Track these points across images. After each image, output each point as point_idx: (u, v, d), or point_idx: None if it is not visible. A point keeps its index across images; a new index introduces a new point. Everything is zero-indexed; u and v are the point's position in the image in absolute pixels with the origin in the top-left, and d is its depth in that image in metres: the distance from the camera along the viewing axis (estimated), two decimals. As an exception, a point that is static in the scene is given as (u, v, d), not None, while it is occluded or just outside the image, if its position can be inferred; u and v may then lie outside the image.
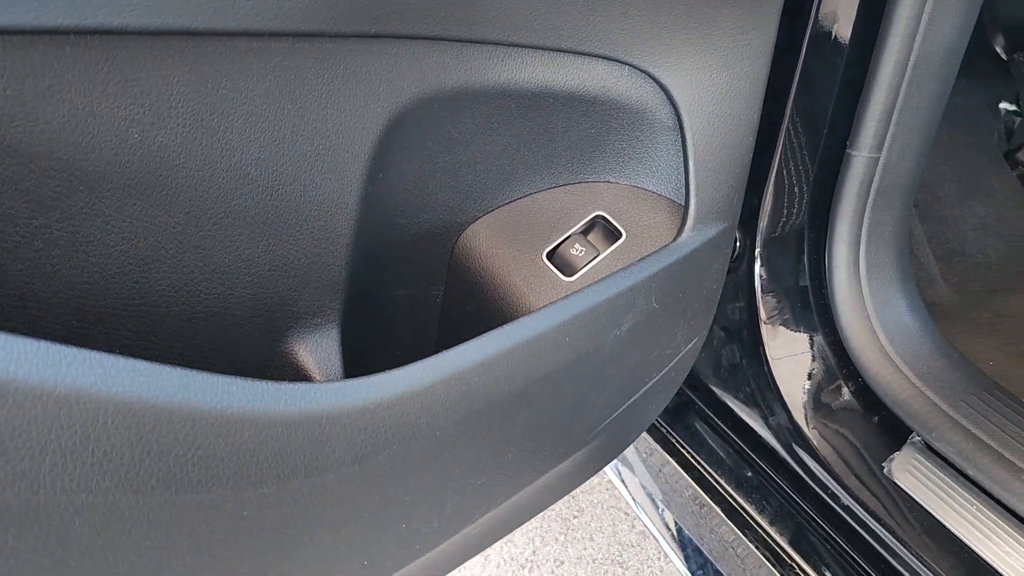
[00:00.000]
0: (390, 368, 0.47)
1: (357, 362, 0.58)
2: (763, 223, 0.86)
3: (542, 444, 0.67)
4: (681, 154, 0.57)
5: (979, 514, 0.76)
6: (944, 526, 0.76)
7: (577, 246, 0.60)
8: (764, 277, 0.88)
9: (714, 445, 0.98)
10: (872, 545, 0.84)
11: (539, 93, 0.54)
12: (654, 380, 0.70)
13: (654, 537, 1.04)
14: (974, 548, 0.74)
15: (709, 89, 0.56)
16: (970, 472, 0.78)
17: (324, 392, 0.43)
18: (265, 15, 0.42)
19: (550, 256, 0.60)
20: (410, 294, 0.62)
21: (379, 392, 0.45)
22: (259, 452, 0.40)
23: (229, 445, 0.39)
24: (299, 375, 0.54)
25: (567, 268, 0.60)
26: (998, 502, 0.76)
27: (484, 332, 0.52)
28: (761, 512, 0.93)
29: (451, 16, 0.47)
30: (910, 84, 0.78)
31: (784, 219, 0.86)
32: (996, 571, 0.73)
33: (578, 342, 0.55)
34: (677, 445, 1.01)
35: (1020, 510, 0.74)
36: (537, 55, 0.51)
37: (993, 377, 0.95)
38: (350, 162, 0.49)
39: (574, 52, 0.53)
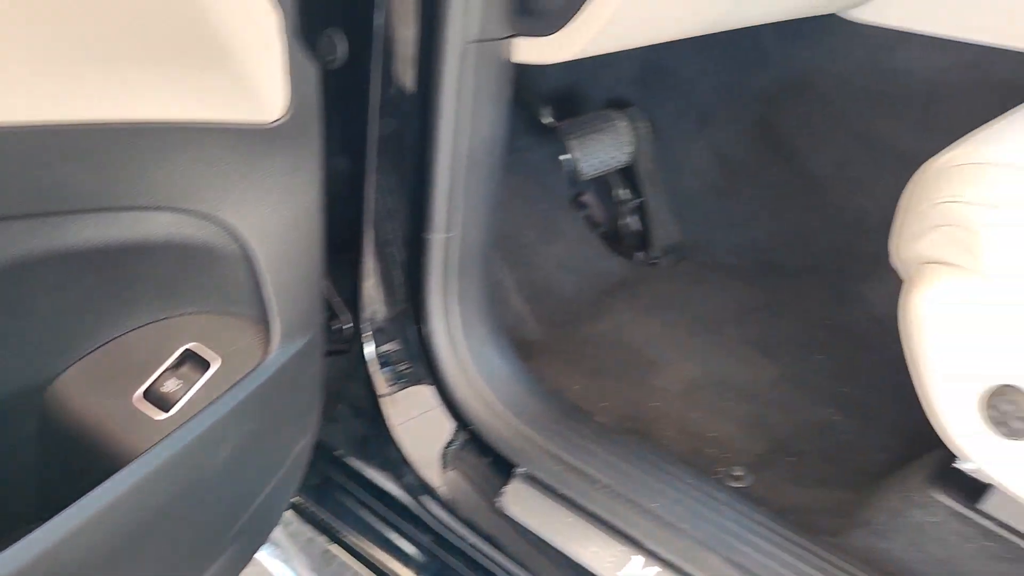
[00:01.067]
0: None
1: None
2: (368, 309, 0.95)
3: (175, 571, 0.68)
4: (257, 281, 0.63)
5: (574, 527, 0.91)
6: (550, 545, 0.90)
7: (170, 381, 0.62)
8: (376, 355, 0.97)
9: (359, 515, 1.05)
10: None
11: (104, 248, 0.56)
12: (272, 484, 0.74)
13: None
14: (574, 558, 0.89)
15: (271, 222, 0.62)
16: (563, 491, 0.93)
17: None
18: None
19: (146, 395, 0.62)
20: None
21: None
22: None
23: None
24: None
25: (164, 404, 0.62)
26: (586, 512, 0.92)
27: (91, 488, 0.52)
28: (408, 566, 1.02)
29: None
30: (467, 172, 0.91)
31: (386, 302, 0.95)
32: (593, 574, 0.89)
33: (181, 477, 0.57)
34: (325, 522, 1.06)
35: (601, 515, 0.90)
36: (94, 216, 0.53)
37: (578, 401, 1.14)
38: None
39: (134, 208, 0.55)
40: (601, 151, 1.39)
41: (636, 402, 1.16)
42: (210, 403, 0.60)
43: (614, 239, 1.55)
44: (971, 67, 1.25)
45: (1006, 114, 0.96)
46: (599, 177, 1.47)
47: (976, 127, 1.02)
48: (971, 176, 0.78)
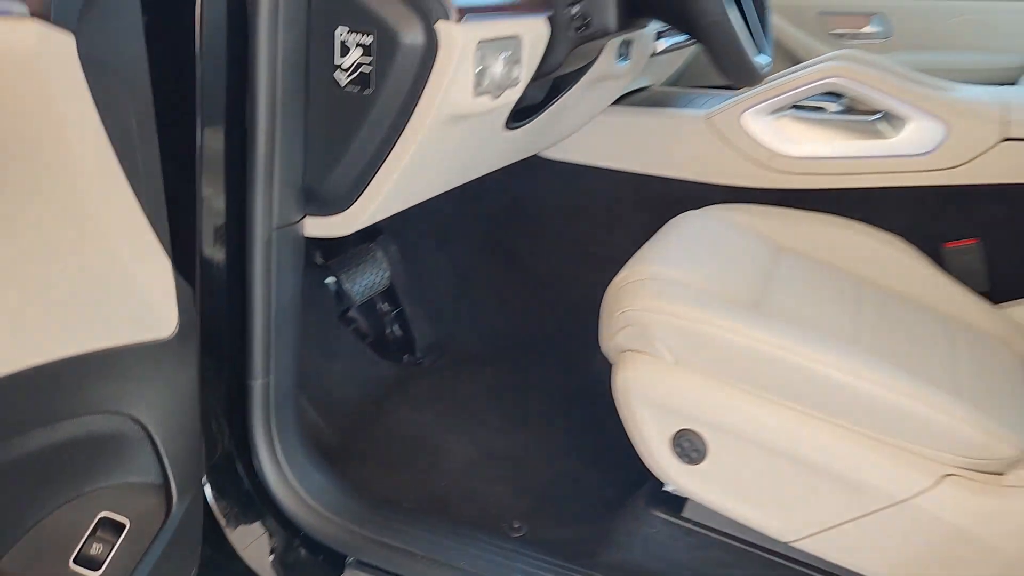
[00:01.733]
0: None
1: None
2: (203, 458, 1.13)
3: None
4: (156, 454, 0.80)
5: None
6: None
7: (95, 546, 0.77)
8: (213, 493, 1.13)
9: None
10: None
11: (39, 452, 0.72)
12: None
13: None
14: None
15: (167, 408, 0.80)
16: (390, 569, 1.16)
17: None
18: None
19: (76, 561, 0.76)
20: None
21: None
22: None
23: None
24: None
25: (94, 564, 0.76)
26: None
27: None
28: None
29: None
30: (277, 327, 1.13)
31: (218, 449, 1.13)
32: None
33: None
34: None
35: None
36: (40, 430, 0.69)
37: (382, 490, 1.37)
38: None
39: (70, 417, 0.72)
40: (366, 278, 1.65)
41: (429, 484, 1.42)
42: (143, 557, 0.76)
43: (382, 346, 1.81)
44: (633, 188, 1.70)
45: (657, 234, 1.37)
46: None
47: (643, 230, 1.43)
48: (637, 290, 1.15)
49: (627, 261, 1.29)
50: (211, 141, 0.99)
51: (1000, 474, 0.99)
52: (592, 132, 1.70)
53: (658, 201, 1.67)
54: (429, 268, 1.87)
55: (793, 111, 1.63)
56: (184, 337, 0.80)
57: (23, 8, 0.56)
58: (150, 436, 0.79)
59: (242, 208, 1.03)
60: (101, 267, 0.68)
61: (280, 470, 1.17)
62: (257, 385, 1.13)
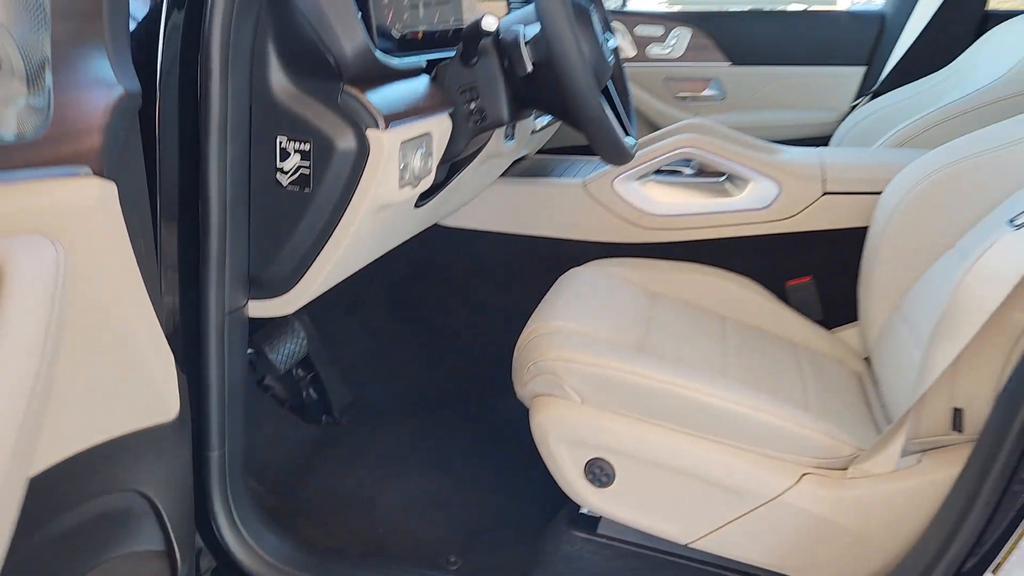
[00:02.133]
0: None
1: None
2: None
3: None
4: (161, 525, 0.92)
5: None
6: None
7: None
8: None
9: None
10: None
11: (61, 534, 0.83)
12: None
13: None
14: None
15: (172, 484, 0.93)
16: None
17: None
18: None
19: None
20: None
21: None
22: None
23: None
24: None
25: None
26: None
27: None
28: None
29: None
30: (228, 402, 1.25)
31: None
32: None
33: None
34: None
35: None
36: (66, 513, 0.81)
37: (326, 542, 1.50)
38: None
39: (91, 498, 0.83)
40: (286, 347, 1.78)
41: (367, 532, 1.55)
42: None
43: (301, 410, 1.92)
44: (523, 249, 1.91)
45: (552, 290, 1.58)
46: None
47: (535, 286, 1.63)
48: (545, 343, 1.36)
49: (523, 314, 1.49)
50: (168, 238, 1.12)
51: (844, 469, 1.24)
52: (484, 201, 1.91)
53: (546, 259, 1.89)
54: (341, 333, 2.01)
55: (656, 176, 1.91)
56: (183, 418, 0.93)
57: (87, 169, 0.70)
58: (155, 508, 0.90)
59: (198, 297, 1.16)
60: (128, 365, 0.81)
61: (239, 533, 1.28)
62: (214, 456, 1.24)
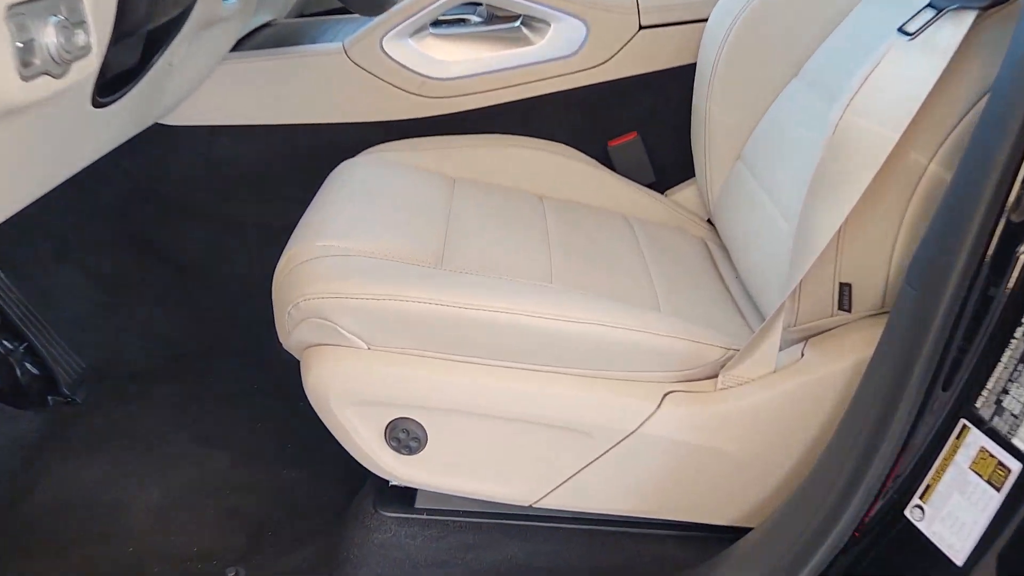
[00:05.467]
0: None
1: None
2: None
3: None
4: None
5: None
6: None
7: None
8: None
9: None
10: None
11: None
12: None
13: None
14: None
15: None
16: None
17: None
18: None
19: None
20: None
21: None
22: None
23: None
24: None
25: None
26: None
27: None
28: None
29: None
30: None
31: None
32: None
33: None
34: None
35: None
36: None
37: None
38: None
39: None
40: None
41: (115, 553, 1.15)
42: None
43: (18, 394, 1.44)
44: (279, 143, 1.47)
45: (318, 195, 1.18)
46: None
47: (300, 190, 1.22)
48: (307, 273, 0.97)
49: (288, 230, 1.10)
50: None
51: (714, 377, 0.97)
52: (218, 87, 1.44)
53: (308, 154, 1.47)
54: (56, 286, 1.52)
55: (434, 28, 1.50)
56: None
57: None
58: None
59: None
60: None
61: None
62: None
